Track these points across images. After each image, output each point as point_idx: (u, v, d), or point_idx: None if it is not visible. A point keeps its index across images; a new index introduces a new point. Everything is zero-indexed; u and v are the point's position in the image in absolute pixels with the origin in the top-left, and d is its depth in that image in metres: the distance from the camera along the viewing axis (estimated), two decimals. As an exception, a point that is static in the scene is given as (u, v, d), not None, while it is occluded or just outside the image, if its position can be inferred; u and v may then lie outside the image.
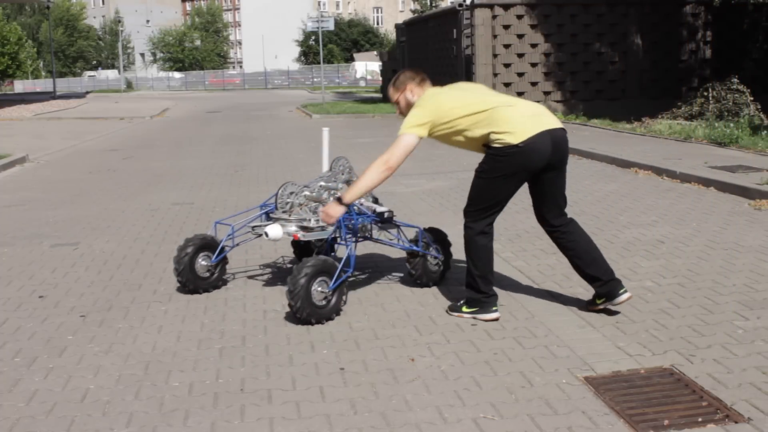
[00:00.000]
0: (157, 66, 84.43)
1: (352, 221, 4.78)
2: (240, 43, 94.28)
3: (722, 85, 15.43)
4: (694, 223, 6.83)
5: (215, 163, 12.44)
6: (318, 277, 4.30)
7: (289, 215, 4.91)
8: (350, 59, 62.60)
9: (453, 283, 5.16)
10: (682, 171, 9.32)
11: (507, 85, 19.74)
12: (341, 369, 3.73)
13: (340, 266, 4.42)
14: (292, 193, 5.00)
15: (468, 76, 20.73)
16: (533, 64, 19.93)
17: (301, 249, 5.39)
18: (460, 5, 20.96)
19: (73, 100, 38.74)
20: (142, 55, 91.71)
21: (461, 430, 3.09)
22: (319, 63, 46.63)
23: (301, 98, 38.29)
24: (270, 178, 10.45)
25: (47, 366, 3.85)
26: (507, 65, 19.93)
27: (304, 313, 4.26)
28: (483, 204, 4.32)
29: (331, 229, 4.75)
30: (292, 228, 4.77)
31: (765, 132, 12.30)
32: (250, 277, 5.42)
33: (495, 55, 19.92)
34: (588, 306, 4.53)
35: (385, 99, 30.38)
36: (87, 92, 54.44)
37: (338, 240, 4.84)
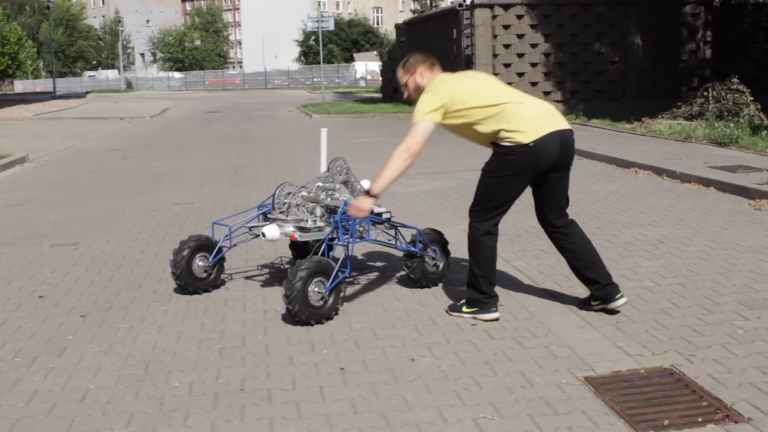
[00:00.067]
0: (157, 66, 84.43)
1: (350, 222, 4.77)
2: (240, 43, 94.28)
3: (722, 85, 15.43)
4: (694, 223, 6.83)
5: (215, 163, 12.44)
6: (314, 278, 4.29)
7: (287, 216, 4.90)
8: (350, 59, 62.60)
9: (453, 283, 5.16)
10: (682, 171, 9.32)
11: (507, 84, 19.74)
12: (341, 369, 3.73)
13: (336, 267, 4.42)
14: (289, 193, 5.00)
15: (468, 76, 20.71)
16: (533, 64, 19.93)
17: (299, 250, 5.38)
18: (460, 5, 20.96)
19: (73, 100, 38.74)
20: (142, 55, 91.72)
21: (461, 430, 3.09)
22: (319, 63, 46.63)
23: (301, 98, 38.29)
24: (270, 178, 10.45)
25: (47, 366, 3.85)
26: (507, 65, 19.93)
27: (303, 315, 4.26)
28: (490, 203, 4.30)
29: (328, 229, 4.75)
30: (290, 228, 4.77)
31: (765, 132, 12.30)
32: (250, 278, 5.42)
33: (495, 55, 19.92)
34: (582, 305, 4.54)
35: (386, 99, 30.40)
36: (87, 92, 54.44)
37: (336, 240, 4.84)
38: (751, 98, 14.87)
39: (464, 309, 4.44)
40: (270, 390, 3.51)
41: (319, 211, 4.90)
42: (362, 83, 56.26)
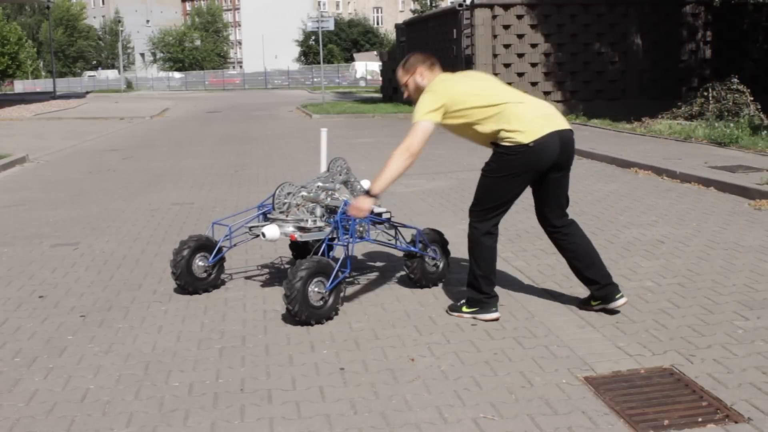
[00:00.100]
0: (157, 66, 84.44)
1: (350, 222, 4.77)
2: (240, 43, 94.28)
3: (722, 85, 15.43)
4: (694, 223, 6.83)
5: (215, 163, 12.44)
6: (314, 278, 4.29)
7: (287, 216, 4.90)
8: (350, 59, 62.60)
9: (453, 283, 5.16)
10: (682, 171, 9.32)
11: (507, 84, 19.75)
12: (341, 369, 3.73)
13: (336, 267, 4.41)
14: (289, 193, 5.00)
15: (468, 76, 20.71)
16: (533, 64, 19.94)
17: (299, 250, 5.38)
18: (460, 5, 20.96)
19: (73, 100, 38.74)
20: (142, 55, 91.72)
21: (461, 430, 3.09)
22: (319, 63, 46.62)
23: (301, 98, 38.29)
24: (270, 178, 10.45)
25: (47, 366, 3.85)
26: (507, 65, 19.93)
27: (303, 315, 4.26)
28: (490, 203, 4.30)
29: (328, 229, 4.75)
30: (290, 229, 4.76)
31: (765, 132, 12.30)
32: (250, 278, 5.42)
33: (495, 55, 19.92)
34: (582, 305, 4.54)
35: (386, 99, 30.40)
36: (87, 92, 54.44)
37: (336, 240, 4.83)
38: (751, 98, 14.88)
39: (464, 309, 4.44)
40: (270, 390, 3.51)
41: (319, 211, 4.90)
42: (362, 83, 56.26)
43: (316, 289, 4.32)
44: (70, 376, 3.72)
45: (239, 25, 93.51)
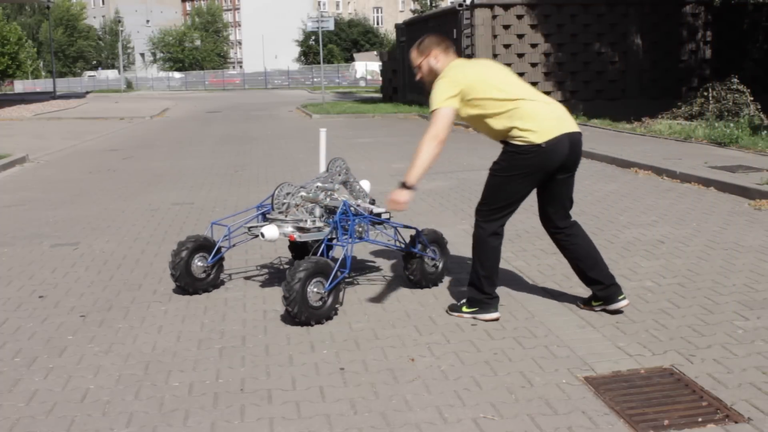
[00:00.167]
0: (157, 66, 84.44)
1: (349, 222, 4.77)
2: (240, 43, 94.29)
3: (722, 85, 15.43)
4: (694, 223, 6.83)
5: (215, 163, 12.44)
6: (313, 278, 4.29)
7: (286, 216, 4.90)
8: (350, 59, 62.60)
9: (453, 283, 5.16)
10: (682, 171, 9.32)
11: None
12: (341, 369, 3.73)
13: (335, 267, 4.41)
14: (288, 193, 5.00)
15: (468, 76, 20.71)
16: (533, 64, 19.93)
17: (298, 250, 5.38)
18: (460, 5, 20.96)
19: (73, 100, 38.74)
20: (142, 55, 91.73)
21: (461, 430, 3.09)
22: (319, 63, 46.62)
23: (301, 98, 38.29)
24: (270, 178, 10.45)
25: (47, 366, 3.85)
26: (507, 65, 19.86)
27: (303, 316, 4.25)
28: (497, 203, 4.27)
29: (327, 230, 4.74)
30: (289, 229, 4.76)
31: (765, 132, 12.30)
32: (250, 278, 5.42)
33: (495, 55, 19.91)
34: (583, 304, 4.54)
35: (386, 99, 30.41)
36: (87, 92, 54.44)
37: (335, 241, 4.83)
38: (751, 98, 14.88)
39: (464, 309, 4.43)
40: (270, 390, 3.51)
41: (318, 211, 4.90)
42: (362, 83, 56.26)
43: (315, 290, 4.32)
44: (70, 376, 3.72)
45: (239, 25, 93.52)
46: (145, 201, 8.78)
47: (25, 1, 69.75)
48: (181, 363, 3.86)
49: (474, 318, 4.38)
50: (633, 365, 3.69)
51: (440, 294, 4.94)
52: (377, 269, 5.57)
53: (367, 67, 57.40)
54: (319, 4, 77.57)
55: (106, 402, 3.42)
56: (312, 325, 4.31)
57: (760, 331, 4.10)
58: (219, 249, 5.02)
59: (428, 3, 37.83)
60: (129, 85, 67.31)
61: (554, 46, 19.93)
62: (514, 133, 4.12)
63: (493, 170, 4.29)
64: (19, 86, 70.47)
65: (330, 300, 4.40)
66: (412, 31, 27.49)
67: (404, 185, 4.21)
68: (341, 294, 4.63)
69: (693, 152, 11.16)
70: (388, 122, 21.33)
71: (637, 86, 20.25)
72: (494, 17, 19.87)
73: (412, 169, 4.19)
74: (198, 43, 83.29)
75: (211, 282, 5.04)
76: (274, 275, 5.46)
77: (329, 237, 4.81)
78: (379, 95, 34.54)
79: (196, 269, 4.93)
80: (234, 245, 5.20)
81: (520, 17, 19.83)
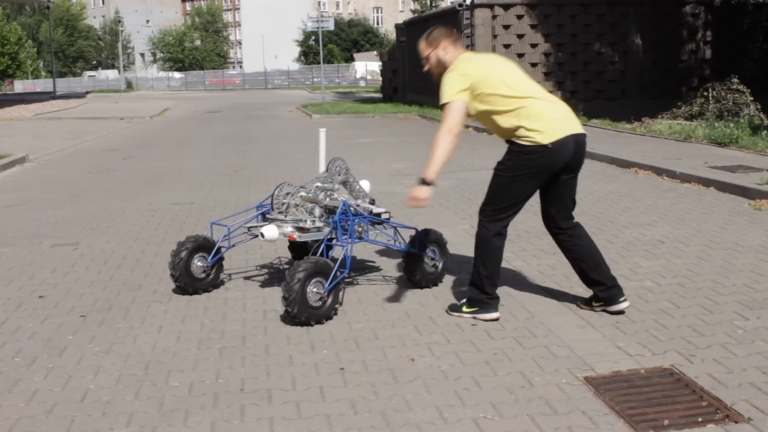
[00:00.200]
0: (157, 66, 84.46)
1: (348, 222, 4.77)
2: (240, 43, 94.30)
3: (722, 85, 15.43)
4: (694, 223, 6.83)
5: (215, 163, 12.44)
6: (312, 278, 4.29)
7: (285, 216, 4.90)
8: (350, 59, 62.61)
9: (453, 283, 5.16)
10: (682, 171, 9.31)
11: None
12: (341, 369, 3.73)
13: (335, 267, 4.41)
14: (288, 193, 4.99)
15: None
16: (533, 64, 19.94)
17: (298, 250, 5.38)
18: (460, 5, 20.96)
19: (73, 100, 38.75)
20: (142, 55, 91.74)
21: (461, 430, 3.09)
22: (319, 63, 46.62)
23: (301, 98, 38.30)
24: (270, 178, 10.45)
25: (47, 366, 3.85)
26: (507, 65, 19.92)
27: (303, 316, 4.25)
28: (502, 203, 4.27)
29: (327, 230, 4.74)
30: (288, 229, 4.76)
31: (765, 132, 12.30)
32: (250, 278, 5.42)
33: (495, 55, 19.91)
34: (583, 304, 4.54)
35: (386, 99, 30.42)
36: (87, 92, 54.46)
37: (334, 241, 4.83)
38: (751, 98, 14.88)
39: (464, 309, 4.43)
40: (270, 390, 3.51)
41: (317, 211, 4.90)
42: (362, 83, 56.27)
43: (315, 290, 4.31)
44: (70, 376, 3.72)
45: (239, 25, 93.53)
46: (145, 201, 8.78)
47: (25, 1, 69.76)
48: (181, 363, 3.86)
49: (474, 318, 4.38)
50: (633, 365, 3.69)
51: (440, 294, 4.94)
52: (377, 269, 5.57)
53: (367, 67, 57.40)
54: (319, 4, 77.57)
55: (106, 402, 3.42)
56: (312, 325, 4.31)
57: (760, 331, 4.10)
58: (219, 249, 5.02)
59: (428, 3, 37.84)
60: (129, 85, 67.33)
61: (554, 46, 19.93)
62: (521, 132, 4.11)
63: (497, 170, 4.27)
64: (19, 86, 70.48)
65: (330, 300, 4.40)
66: (412, 31, 27.49)
67: (423, 181, 4.16)
68: (341, 294, 4.63)
69: (693, 152, 11.16)
70: (388, 122, 21.33)
71: (637, 86, 20.25)
72: (494, 17, 19.88)
73: (429, 164, 4.15)
74: (198, 43, 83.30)
75: (211, 282, 5.04)
76: (274, 275, 5.46)
77: (329, 237, 4.81)
78: (379, 95, 34.55)
79: (195, 269, 4.93)
80: (234, 245, 5.20)
81: (520, 17, 19.83)
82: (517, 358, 3.82)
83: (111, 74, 76.44)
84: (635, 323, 4.27)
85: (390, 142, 15.55)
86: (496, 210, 4.29)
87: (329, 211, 4.93)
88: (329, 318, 4.41)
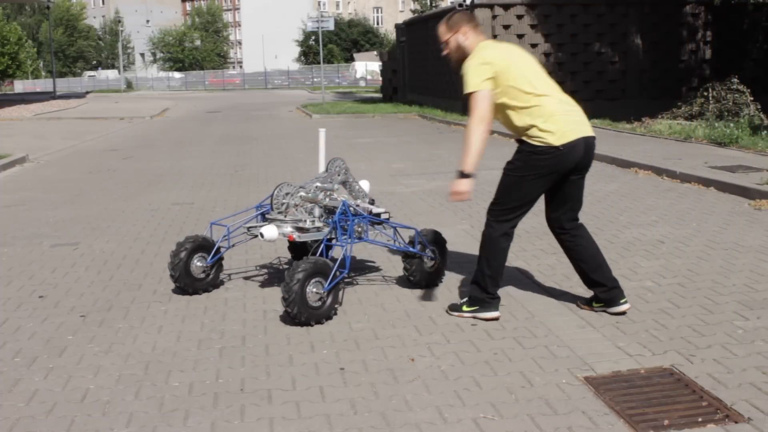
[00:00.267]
0: (157, 66, 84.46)
1: (348, 222, 4.77)
2: (240, 43, 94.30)
3: (722, 85, 15.43)
4: (694, 223, 6.83)
5: (215, 163, 12.44)
6: (311, 278, 4.28)
7: (285, 216, 4.89)
8: (350, 59, 62.61)
9: (453, 283, 5.16)
10: (682, 171, 9.31)
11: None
12: (341, 369, 3.73)
13: (335, 267, 4.41)
14: (287, 193, 4.99)
15: (468, 76, 20.72)
16: (533, 64, 19.91)
17: (298, 250, 5.38)
18: (460, 5, 20.96)
19: (73, 100, 38.75)
20: (142, 55, 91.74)
21: (461, 430, 3.09)
22: (319, 63, 46.62)
23: (301, 98, 38.30)
24: (270, 178, 10.45)
25: (47, 366, 3.85)
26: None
27: (302, 317, 4.25)
28: (511, 203, 4.25)
29: (326, 230, 4.74)
30: (288, 229, 4.76)
31: (765, 132, 12.30)
32: (250, 278, 5.42)
33: (495, 55, 19.90)
34: (583, 304, 4.54)
35: (386, 99, 30.41)
36: (87, 92, 54.47)
37: (334, 241, 4.83)
38: (751, 98, 14.88)
39: (465, 308, 4.43)
40: (270, 390, 3.51)
41: (317, 211, 4.90)
42: (362, 83, 56.28)
43: (314, 290, 4.31)
44: (70, 376, 3.72)
45: (239, 25, 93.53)
46: (145, 201, 8.78)
47: (25, 1, 69.76)
48: (181, 363, 3.86)
49: (474, 317, 4.38)
50: (633, 365, 3.69)
51: (440, 294, 4.94)
52: (377, 269, 5.57)
53: (367, 67, 57.40)
54: (319, 4, 77.57)
55: (106, 402, 3.42)
56: (312, 325, 4.31)
57: (760, 331, 4.10)
58: (218, 249, 5.01)
59: (428, 3, 37.84)
60: (129, 85, 67.34)
61: (554, 46, 19.93)
62: (533, 132, 4.11)
63: (507, 170, 4.26)
64: (19, 86, 70.49)
65: (329, 300, 4.39)
66: (412, 31, 27.50)
67: (462, 174, 4.13)
68: (341, 294, 4.63)
69: (693, 152, 11.16)
70: (388, 122, 21.33)
71: (637, 86, 20.25)
72: (494, 17, 19.87)
73: (465, 157, 4.11)
74: (198, 43, 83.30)
75: (211, 282, 5.04)
76: (273, 275, 5.46)
77: (328, 237, 4.81)
78: (379, 95, 34.56)
79: (195, 269, 4.93)
80: (233, 245, 5.20)
81: (520, 17, 19.83)
82: (517, 358, 3.82)
83: (111, 74, 76.45)
84: (635, 323, 4.27)
85: (390, 142, 15.55)
86: (504, 210, 4.28)
87: (329, 211, 4.93)
88: (329, 318, 4.41)
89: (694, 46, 20.58)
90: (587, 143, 4.21)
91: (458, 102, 21.80)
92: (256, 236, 4.81)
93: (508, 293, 4.84)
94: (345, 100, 33.42)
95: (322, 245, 4.73)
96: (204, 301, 4.89)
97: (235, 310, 4.70)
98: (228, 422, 3.20)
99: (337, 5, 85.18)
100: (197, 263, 4.93)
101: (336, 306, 4.48)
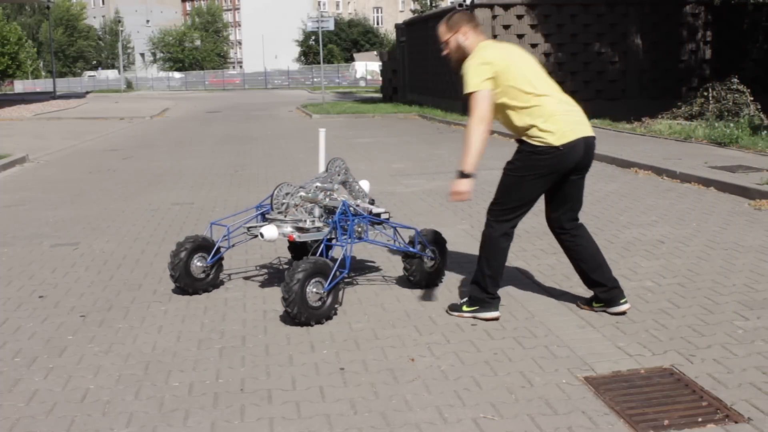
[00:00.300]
0: (157, 66, 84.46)
1: (348, 222, 4.77)
2: (240, 43, 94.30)
3: (722, 85, 15.43)
4: (694, 223, 6.83)
5: (215, 163, 12.44)
6: (311, 278, 4.28)
7: (285, 216, 4.89)
8: (350, 59, 62.61)
9: (453, 283, 5.16)
10: (682, 171, 9.31)
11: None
12: (341, 369, 3.73)
13: (335, 267, 4.41)
14: (287, 193, 4.99)
15: (468, 76, 20.73)
16: (533, 64, 19.91)
17: (297, 250, 5.38)
18: (460, 5, 20.95)
19: (73, 100, 38.75)
20: (142, 55, 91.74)
21: (461, 430, 3.09)
22: (319, 63, 46.62)
23: (301, 98, 38.30)
24: (270, 178, 10.45)
25: (47, 366, 3.85)
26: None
27: (302, 317, 4.25)
28: (511, 203, 4.25)
29: (326, 230, 4.74)
30: (288, 229, 4.76)
31: (765, 132, 12.30)
32: (250, 278, 5.42)
33: (495, 55, 19.90)
34: (583, 304, 4.54)
35: (386, 99, 30.42)
36: (87, 92, 54.47)
37: (334, 241, 4.83)
38: (751, 98, 14.88)
39: (464, 308, 4.43)
40: (270, 390, 3.51)
41: (317, 211, 4.90)
42: (362, 83, 56.28)
43: (314, 290, 4.31)
44: (70, 376, 3.72)
45: (239, 25, 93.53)
46: (145, 201, 8.78)
47: (25, 1, 69.77)
48: (181, 363, 3.86)
49: (474, 317, 4.38)
50: (633, 365, 3.69)
51: (440, 294, 4.94)
52: (377, 269, 5.57)
53: (367, 67, 57.40)
54: (319, 4, 77.57)
55: (106, 402, 3.42)
56: (312, 325, 4.31)
57: (760, 331, 4.10)
58: (218, 249, 5.01)
59: (428, 3, 37.83)
60: (129, 85, 67.34)
61: (554, 46, 19.92)
62: (533, 132, 4.11)
63: (507, 170, 4.25)
64: (19, 86, 70.49)
65: (329, 300, 4.39)
66: (412, 31, 27.50)
67: (462, 174, 4.13)
68: (341, 294, 4.63)
69: (693, 152, 11.16)
70: (388, 122, 21.33)
71: (637, 86, 20.25)
72: (494, 17, 19.87)
73: (466, 156, 4.11)
74: (198, 43, 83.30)
75: (211, 282, 5.04)
76: (273, 275, 5.46)
77: (328, 237, 4.81)
78: (379, 95, 34.56)
79: (195, 269, 4.93)
80: (233, 245, 5.20)
81: (520, 17, 19.83)
82: (517, 358, 3.82)
83: (111, 74, 76.45)
84: (635, 323, 4.27)
85: (390, 142, 15.55)
86: (504, 210, 4.28)
87: (329, 211, 4.93)
88: (329, 318, 4.41)
89: (694, 46, 20.58)
90: (587, 143, 4.21)
91: (458, 102, 21.81)
92: (256, 236, 4.81)
93: (508, 293, 4.84)
94: (345, 100, 33.42)
95: (322, 245, 4.73)
96: (204, 301, 4.89)
97: (235, 310, 4.70)
98: (228, 422, 3.20)
99: (337, 5, 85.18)
100: (197, 263, 4.93)
101: (336, 306, 4.48)
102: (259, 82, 66.48)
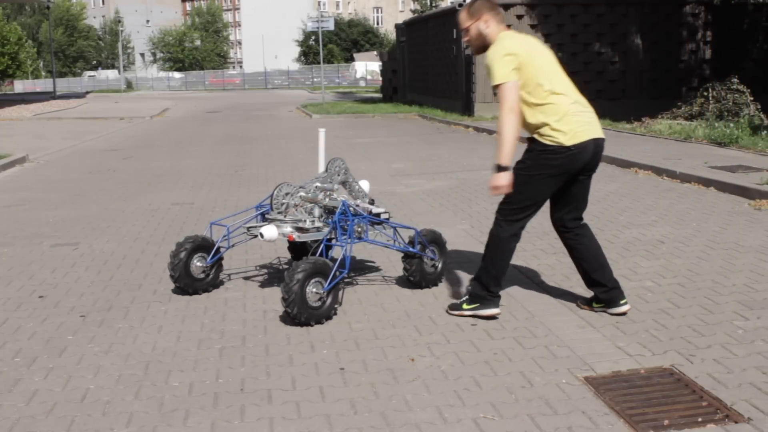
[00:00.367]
0: (157, 66, 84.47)
1: (348, 222, 4.76)
2: (240, 43, 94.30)
3: (722, 85, 15.44)
4: (694, 223, 6.83)
5: (215, 163, 12.44)
6: (311, 279, 4.28)
7: (285, 216, 4.89)
8: (350, 59, 62.61)
9: (453, 283, 5.16)
10: (682, 171, 9.32)
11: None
12: (341, 369, 3.73)
13: (334, 267, 4.41)
14: (287, 193, 4.99)
15: (468, 76, 20.74)
16: (533, 64, 19.91)
17: (297, 250, 5.37)
18: (460, 5, 20.95)
19: (73, 100, 38.75)
20: (142, 55, 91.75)
21: (461, 430, 3.09)
22: (319, 63, 46.62)
23: (301, 98, 38.30)
24: (270, 178, 10.45)
25: (47, 366, 3.85)
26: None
27: (302, 317, 4.25)
28: (521, 203, 4.24)
29: (326, 230, 4.74)
30: (288, 229, 4.76)
31: (765, 132, 12.30)
32: (250, 278, 5.42)
33: (495, 55, 19.89)
34: (583, 305, 4.54)
35: (386, 99, 30.41)
36: (87, 92, 54.47)
37: (334, 241, 4.83)
38: (751, 98, 14.88)
39: (465, 306, 4.42)
40: (270, 390, 3.51)
41: (317, 211, 4.90)
42: (362, 83, 56.28)
43: (314, 290, 4.31)
44: (70, 376, 3.72)
45: (239, 25, 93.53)
46: (145, 201, 8.78)
47: (25, 1, 69.76)
48: (181, 363, 3.86)
49: (475, 314, 4.38)
50: (633, 365, 3.69)
51: (440, 294, 4.94)
52: (377, 269, 5.57)
53: (367, 67, 57.41)
54: (319, 4, 77.57)
55: (106, 402, 3.42)
56: (312, 325, 4.31)
57: (760, 331, 4.10)
58: (218, 249, 5.01)
59: (428, 3, 37.83)
60: (129, 85, 67.35)
61: (554, 46, 19.89)
62: (545, 131, 4.10)
63: (517, 168, 4.23)
64: (19, 86, 70.50)
65: (329, 300, 4.39)
66: (412, 31, 27.50)
67: (500, 168, 4.09)
68: (340, 294, 4.63)
69: (693, 152, 11.16)
70: (388, 122, 21.33)
71: (637, 86, 20.25)
72: (494, 17, 19.85)
73: (501, 149, 4.06)
74: (198, 43, 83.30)
75: (211, 282, 5.04)
76: (273, 275, 5.46)
77: (328, 237, 4.80)
78: (379, 95, 34.56)
79: (195, 269, 4.93)
80: (233, 245, 5.20)
81: (520, 17, 19.83)
82: (517, 358, 3.82)
83: (111, 74, 76.46)
84: (635, 323, 4.27)
85: (390, 142, 15.55)
86: (514, 210, 4.27)
87: (329, 211, 4.93)
88: (329, 318, 4.41)
89: (694, 46, 20.58)
90: (597, 144, 4.23)
91: (458, 102, 21.81)
92: (256, 236, 4.80)
93: (508, 293, 4.84)
94: (345, 100, 33.42)
95: (321, 245, 4.73)
96: (204, 301, 4.89)
97: (235, 310, 4.70)
98: (228, 422, 3.20)
99: (337, 5, 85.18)
100: (197, 263, 4.93)
101: (336, 306, 4.48)
102: (259, 82, 66.48)
